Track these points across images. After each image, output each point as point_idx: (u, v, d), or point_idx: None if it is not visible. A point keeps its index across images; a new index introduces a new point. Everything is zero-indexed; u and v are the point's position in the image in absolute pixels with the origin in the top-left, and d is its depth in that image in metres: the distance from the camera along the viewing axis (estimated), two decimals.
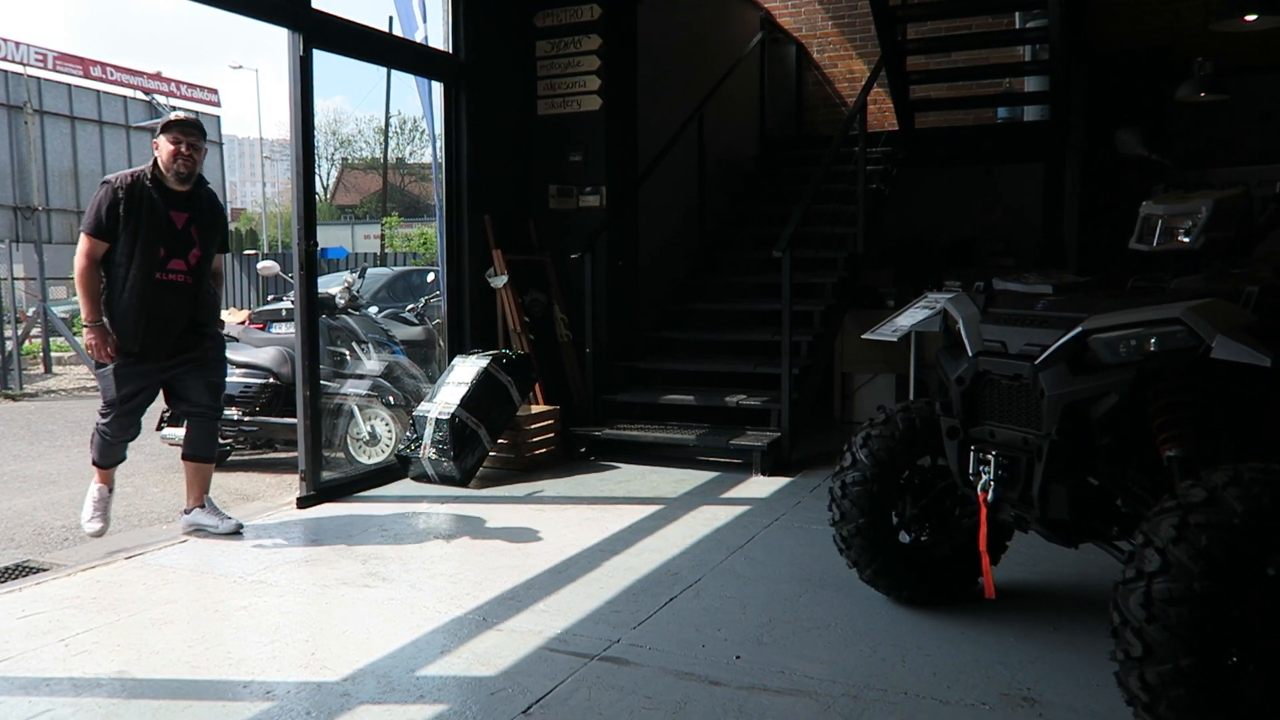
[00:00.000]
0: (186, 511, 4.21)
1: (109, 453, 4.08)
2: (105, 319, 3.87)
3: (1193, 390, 2.47)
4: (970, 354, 2.80)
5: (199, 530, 4.15)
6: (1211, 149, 9.11)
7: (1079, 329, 2.50)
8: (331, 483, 4.89)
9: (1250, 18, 5.68)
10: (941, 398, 2.94)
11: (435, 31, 5.88)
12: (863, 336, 4.86)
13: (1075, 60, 8.14)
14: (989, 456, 2.71)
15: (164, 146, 3.88)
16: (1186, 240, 2.77)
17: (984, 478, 2.72)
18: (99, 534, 4.09)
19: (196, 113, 14.85)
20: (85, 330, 3.86)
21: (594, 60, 6.08)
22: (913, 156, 8.15)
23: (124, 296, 3.83)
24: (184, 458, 4.23)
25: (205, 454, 4.23)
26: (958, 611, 3.17)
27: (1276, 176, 3.13)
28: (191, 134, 3.92)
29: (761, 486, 5.02)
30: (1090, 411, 2.49)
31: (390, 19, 6.18)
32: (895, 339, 4.36)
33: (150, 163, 3.93)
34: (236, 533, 4.13)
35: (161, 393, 4.12)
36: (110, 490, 4.12)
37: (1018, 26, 8.19)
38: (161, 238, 3.86)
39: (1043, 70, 7.67)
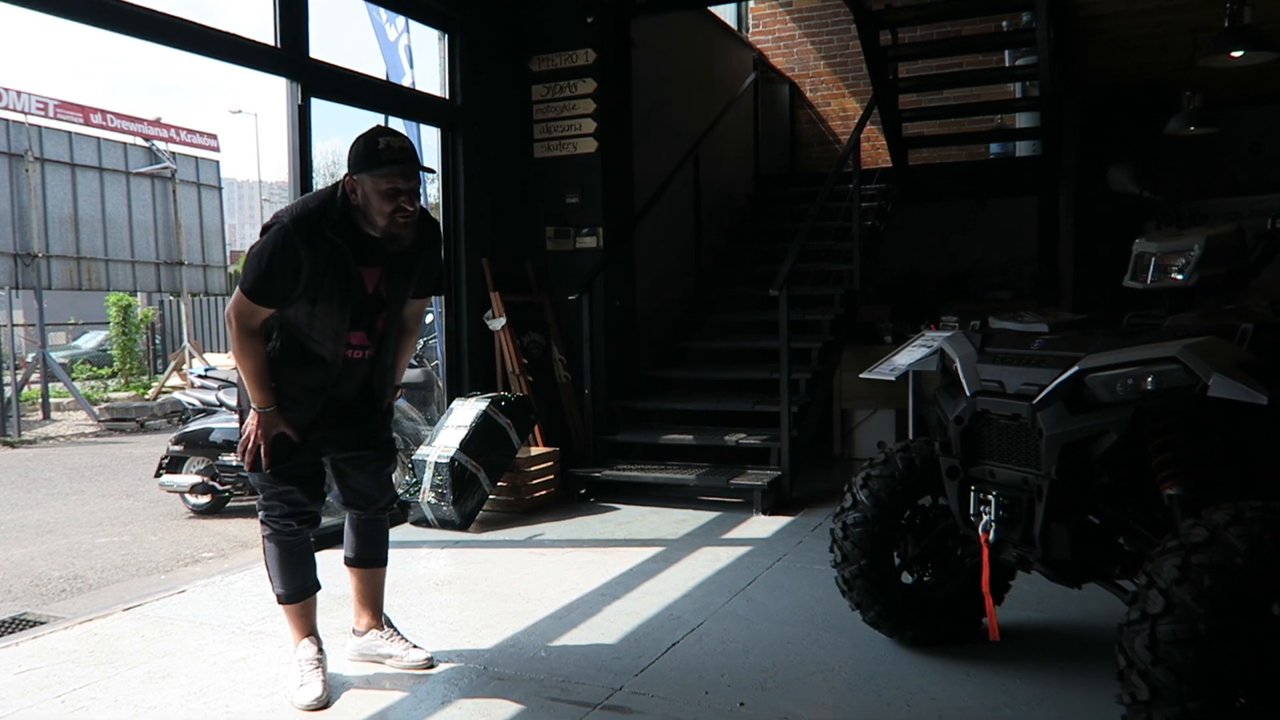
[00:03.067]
0: (358, 633, 3.23)
1: (291, 563, 2.97)
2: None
3: (1191, 428, 2.47)
4: (968, 394, 2.80)
5: (377, 659, 3.18)
6: (1204, 181, 9.20)
7: (1076, 368, 2.51)
8: (329, 529, 4.86)
9: (1236, 54, 5.74)
10: (940, 437, 2.94)
11: (425, 76, 5.95)
12: (860, 376, 4.87)
13: (1066, 95, 8.24)
14: (989, 497, 2.70)
15: (372, 192, 2.70)
16: (1180, 277, 2.78)
17: (985, 518, 2.71)
18: (321, 704, 2.85)
19: (196, 158, 15.00)
20: (253, 414, 2.82)
21: (589, 103, 6.14)
22: (907, 192, 8.22)
23: (286, 381, 2.83)
24: (349, 563, 3.22)
25: (375, 556, 3.24)
26: (962, 653, 3.14)
27: (1269, 207, 3.16)
28: (413, 176, 2.75)
29: (763, 526, 5.00)
30: (1089, 450, 2.49)
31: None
32: (893, 378, 4.36)
33: (336, 194, 2.76)
34: (428, 665, 3.13)
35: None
36: (320, 650, 3.01)
37: (1008, 64, 8.29)
38: (347, 307, 2.81)
39: (1033, 106, 7.74)
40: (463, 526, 5.00)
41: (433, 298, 3.52)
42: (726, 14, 9.33)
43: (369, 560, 3.23)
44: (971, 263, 9.30)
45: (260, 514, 2.97)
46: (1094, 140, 8.90)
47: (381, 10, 6.18)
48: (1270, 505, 2.16)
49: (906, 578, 3.25)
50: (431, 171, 3.06)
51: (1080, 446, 2.49)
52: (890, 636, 3.22)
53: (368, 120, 5.08)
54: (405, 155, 2.71)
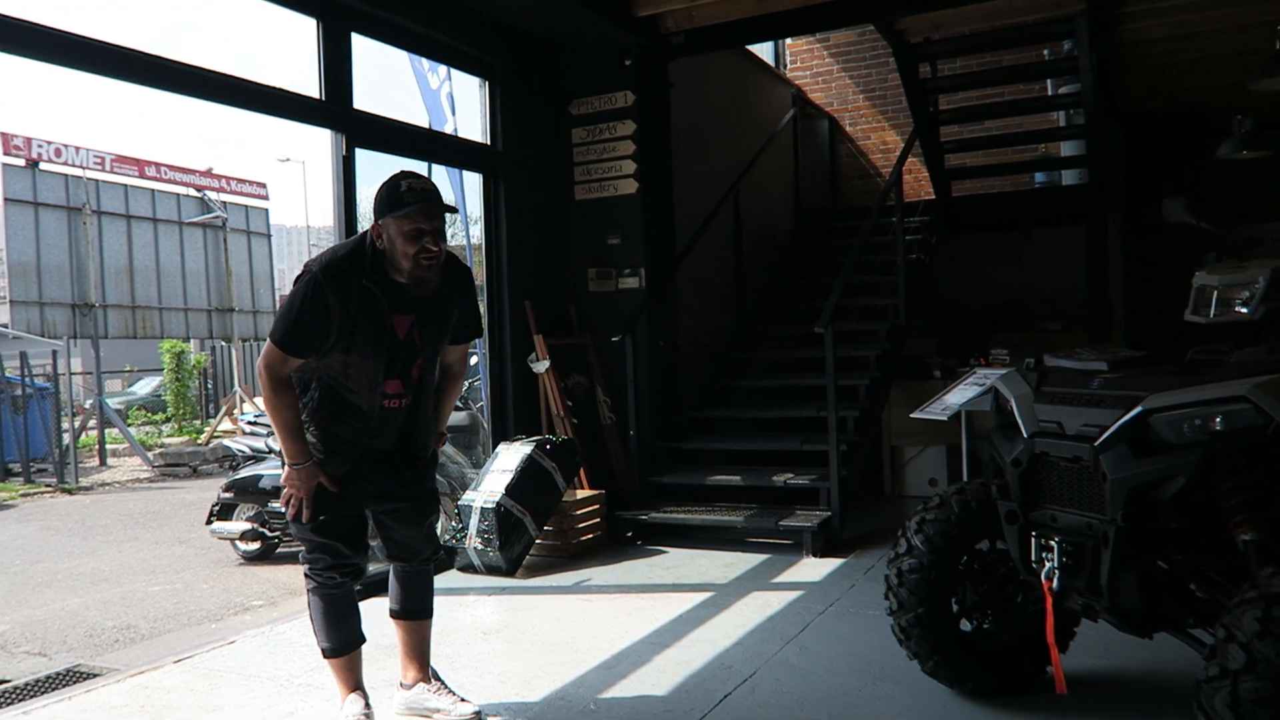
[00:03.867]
0: (405, 686, 3.15)
1: (335, 616, 2.93)
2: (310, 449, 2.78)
3: (1265, 470, 2.36)
4: (1025, 435, 2.72)
5: (425, 714, 3.10)
6: (1259, 205, 8.97)
7: (1139, 408, 2.42)
8: (377, 576, 4.84)
9: None
10: (997, 480, 2.86)
11: (467, 123, 6.02)
12: (911, 416, 4.78)
13: (1110, 122, 8.12)
14: (1052, 542, 2.60)
15: (396, 235, 2.67)
16: (1245, 311, 2.68)
17: (1048, 565, 2.61)
18: None
19: (246, 207, 15.36)
20: (288, 469, 2.77)
21: (629, 145, 6.17)
22: (951, 224, 8.13)
23: (322, 433, 2.79)
24: (395, 615, 3.13)
25: (420, 608, 3.14)
26: (1026, 704, 3.03)
27: None
28: (436, 217, 2.70)
29: (814, 569, 4.90)
30: (1157, 494, 2.39)
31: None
32: (945, 418, 4.27)
33: (365, 242, 2.74)
34: (476, 719, 3.04)
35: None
36: (367, 704, 2.97)
37: (1050, 93, 8.19)
38: (381, 355, 2.76)
39: (1078, 134, 7.65)
40: (509, 572, 4.96)
41: (476, 340, 3.49)
42: (764, 51, 9.35)
43: (414, 612, 3.15)
44: (1019, 293, 9.13)
45: (304, 567, 2.93)
46: (1141, 167, 8.75)
47: (423, 60, 6.28)
48: None
49: (965, 625, 3.15)
50: (454, 210, 2.97)
51: (1147, 490, 2.40)
52: (950, 687, 3.11)
53: (413, 166, 5.15)
54: (427, 195, 2.69)
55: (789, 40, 9.78)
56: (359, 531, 2.94)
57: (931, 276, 8.09)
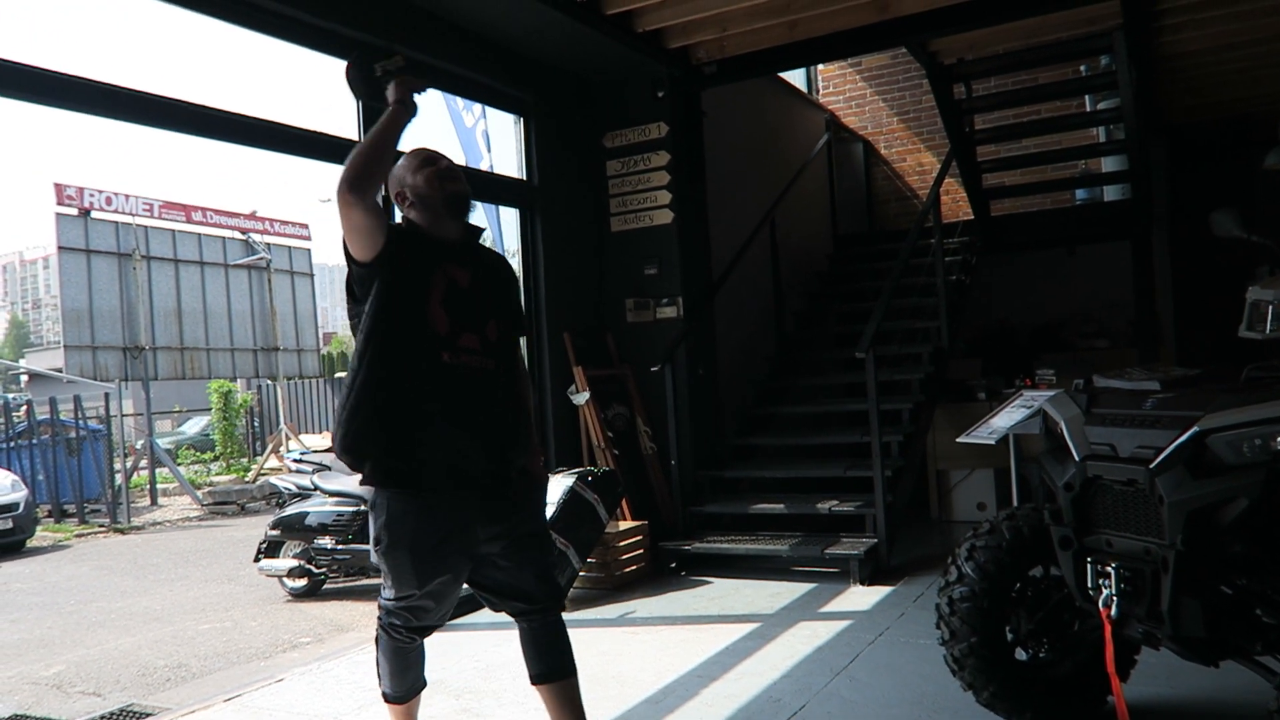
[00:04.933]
0: None
1: (403, 665, 2.70)
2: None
3: None
4: (1077, 458, 2.65)
5: None
6: None
7: (1196, 429, 2.35)
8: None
9: None
10: (1049, 504, 2.79)
11: (502, 159, 6.09)
12: (958, 440, 4.70)
13: (1152, 136, 8.00)
14: (1108, 569, 2.53)
15: (411, 178, 2.55)
16: None
17: (1105, 592, 2.53)
18: None
19: (289, 247, 15.65)
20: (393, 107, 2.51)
21: (663, 175, 6.19)
22: (991, 244, 8.04)
23: (385, 391, 2.40)
24: (535, 681, 2.67)
25: (561, 665, 2.67)
26: None
27: None
28: (439, 156, 2.63)
29: (862, 598, 4.81)
30: (1218, 517, 2.32)
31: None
32: (993, 441, 4.19)
33: (402, 221, 2.63)
34: None
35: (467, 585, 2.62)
36: None
37: (1089, 109, 8.10)
38: (440, 295, 2.47)
39: (1119, 150, 7.54)
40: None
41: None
42: (796, 78, 9.37)
43: (555, 671, 2.65)
44: (1064, 312, 9.00)
45: (380, 612, 2.64)
46: (1185, 180, 8.60)
47: (459, 99, 6.38)
48: None
49: (1021, 655, 3.06)
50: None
51: (1207, 513, 2.32)
52: (1007, 719, 3.02)
53: None
54: (433, 153, 2.63)
55: (821, 66, 9.79)
56: (452, 597, 2.62)
57: (974, 297, 8.00)
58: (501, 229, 6.05)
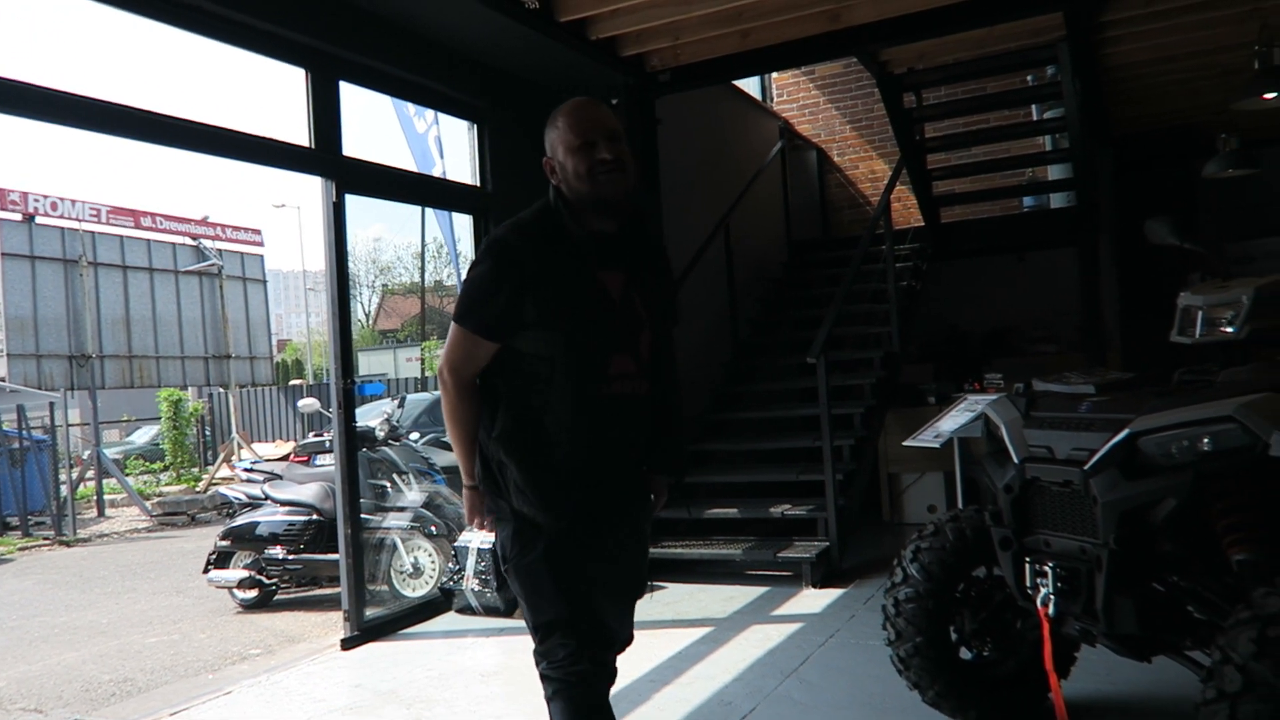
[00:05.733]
0: None
1: None
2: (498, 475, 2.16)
3: (1256, 490, 2.35)
4: (1016, 460, 2.71)
5: None
6: (1248, 222, 9.02)
7: (1127, 431, 2.41)
8: (375, 620, 4.83)
9: (1269, 95, 5.67)
10: (990, 506, 2.84)
11: (456, 165, 6.07)
12: (904, 444, 4.77)
13: (1097, 145, 8.19)
14: (1046, 568, 2.59)
15: (565, 156, 2.13)
16: (1230, 330, 2.69)
17: (1043, 591, 2.59)
18: None
19: (241, 254, 15.43)
20: (465, 492, 2.24)
21: None
22: (942, 250, 8.16)
23: (540, 432, 2.12)
24: None
25: None
26: None
27: None
28: (604, 121, 2.15)
29: (813, 600, 4.86)
30: (1149, 517, 2.38)
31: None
32: (938, 445, 4.26)
33: (550, 196, 2.18)
34: None
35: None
36: None
37: (1035, 118, 8.27)
38: (594, 321, 2.13)
39: (1065, 158, 7.71)
40: (508, 613, 4.92)
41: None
42: (750, 86, 9.46)
43: None
44: (1013, 317, 9.16)
45: (539, 664, 2.16)
46: (1130, 188, 8.81)
47: (409, 105, 6.34)
48: None
49: (966, 654, 3.12)
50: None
51: (1139, 513, 2.39)
52: (953, 717, 3.08)
53: (404, 210, 5.16)
54: (585, 103, 2.18)
55: (775, 74, 9.89)
56: (597, 611, 2.18)
57: (925, 303, 8.11)
58: (455, 235, 6.02)
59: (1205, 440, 2.30)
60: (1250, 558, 2.31)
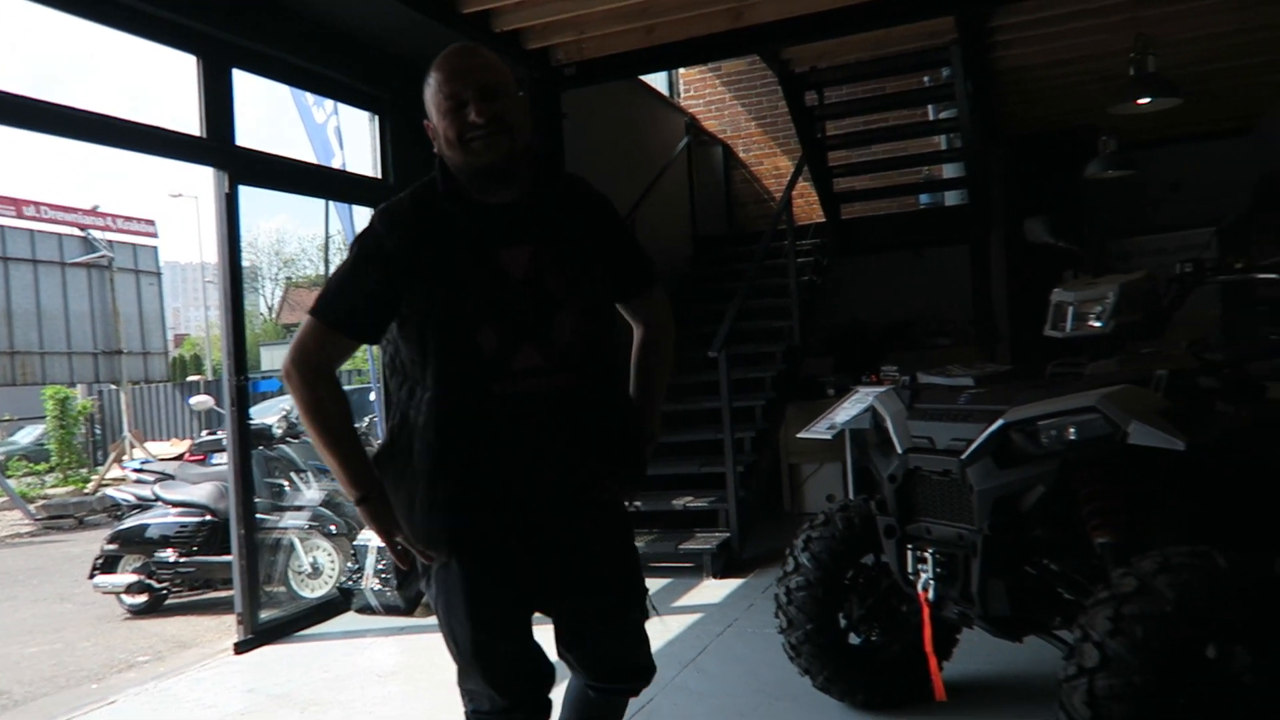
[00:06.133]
0: None
1: None
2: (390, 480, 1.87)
3: (1117, 476, 2.48)
4: (899, 451, 2.80)
5: None
6: (1128, 220, 9.49)
7: (1001, 422, 2.52)
8: (271, 623, 4.71)
9: (1143, 101, 5.97)
10: (876, 495, 2.94)
11: (357, 157, 5.95)
12: (797, 435, 4.88)
13: (989, 145, 8.49)
14: (926, 554, 2.69)
15: (437, 118, 1.85)
16: (1098, 325, 2.83)
17: (923, 576, 2.69)
18: None
19: (134, 245, 14.82)
20: (360, 511, 1.90)
21: None
22: (843, 246, 8.36)
23: (418, 440, 1.82)
24: None
25: None
26: (915, 713, 3.10)
27: (1194, 241, 3.23)
28: (475, 73, 1.82)
29: (713, 591, 4.93)
30: (1020, 504, 2.49)
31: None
32: (830, 436, 4.37)
33: (435, 163, 1.90)
34: None
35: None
36: None
37: (932, 118, 8.52)
38: (481, 308, 1.82)
39: (958, 157, 7.97)
40: (408, 611, 4.86)
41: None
42: (658, 81, 9.51)
43: None
44: (912, 311, 9.44)
45: (463, 698, 1.97)
46: (1021, 187, 9.16)
47: (307, 94, 6.19)
48: (1196, 550, 2.17)
49: (855, 639, 3.22)
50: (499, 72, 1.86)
51: (1010, 500, 2.49)
52: (841, 700, 3.17)
53: (302, 202, 5.04)
54: (455, 52, 1.85)
55: (682, 70, 9.96)
56: (524, 648, 1.94)
57: (827, 297, 8.31)
58: (354, 228, 5.90)
59: (1071, 430, 2.42)
60: (1111, 541, 2.43)
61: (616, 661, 2.06)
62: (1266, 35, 6.80)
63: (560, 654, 2.06)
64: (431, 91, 1.85)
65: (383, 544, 1.94)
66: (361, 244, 1.88)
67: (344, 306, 1.86)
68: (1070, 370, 2.88)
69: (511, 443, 1.82)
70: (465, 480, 1.81)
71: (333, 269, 2.08)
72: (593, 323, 1.92)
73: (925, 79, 8.54)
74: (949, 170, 8.64)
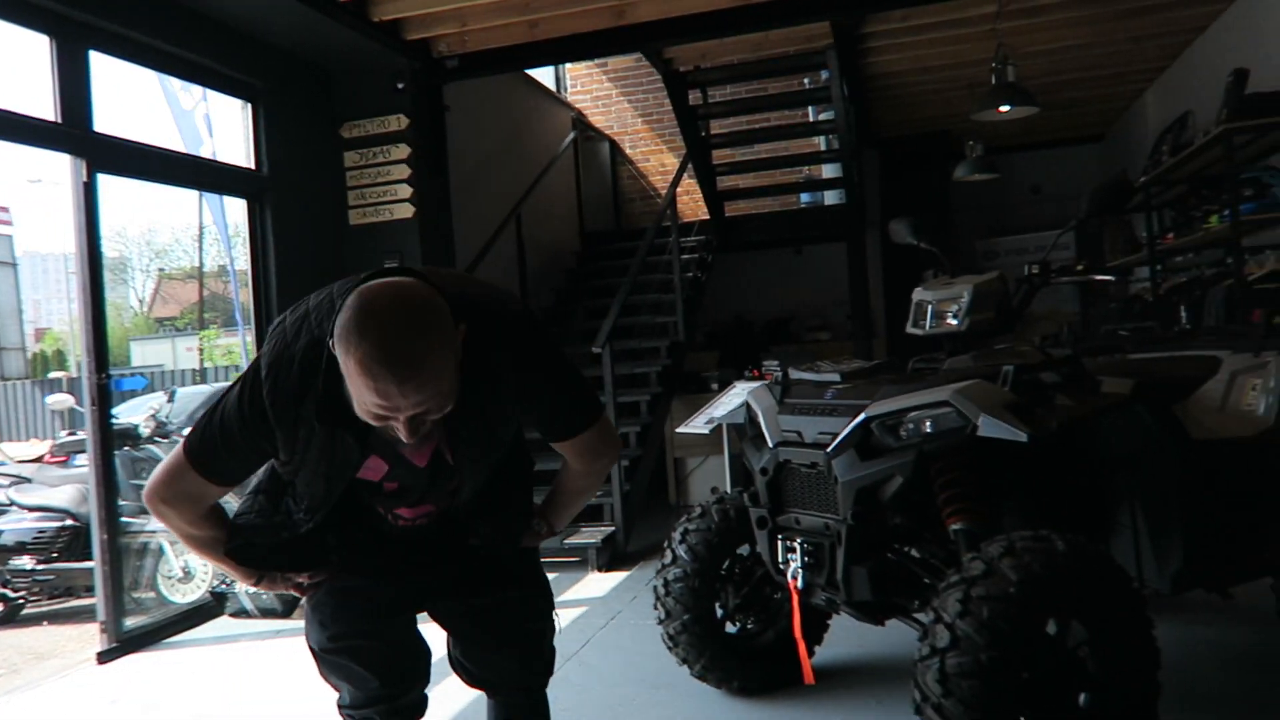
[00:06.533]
0: None
1: None
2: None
3: (969, 466, 2.63)
4: (770, 444, 2.90)
5: None
6: (994, 221, 9.99)
7: (863, 416, 2.64)
8: (138, 630, 4.53)
9: (1004, 109, 6.29)
10: (751, 488, 3.03)
11: (228, 146, 5.75)
12: (676, 430, 4.98)
13: (865, 147, 8.79)
14: (795, 544, 2.79)
15: (352, 385, 1.53)
16: (955, 323, 2.98)
17: (793, 565, 2.79)
18: None
19: None
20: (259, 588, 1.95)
21: (404, 169, 6.07)
22: (726, 243, 8.52)
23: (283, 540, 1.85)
24: None
25: None
26: (787, 696, 3.22)
27: (1046, 243, 3.42)
28: (407, 404, 1.50)
29: (598, 584, 4.99)
30: (881, 494, 2.62)
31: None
32: (707, 431, 4.48)
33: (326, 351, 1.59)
34: None
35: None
36: None
37: (811, 119, 8.77)
38: (377, 497, 1.85)
39: (836, 158, 8.22)
40: (286, 614, 4.75)
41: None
42: (545, 76, 9.49)
43: None
44: (793, 307, 9.72)
45: (339, 700, 2.02)
46: (894, 188, 9.53)
47: (174, 79, 5.94)
48: (1038, 534, 2.33)
49: (731, 628, 3.32)
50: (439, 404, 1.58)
51: (872, 490, 2.62)
52: (718, 688, 3.27)
53: (169, 191, 4.83)
54: (391, 368, 1.46)
55: (568, 65, 9.96)
56: (404, 646, 1.99)
57: (712, 293, 8.46)
58: (226, 218, 5.71)
59: (927, 423, 2.55)
60: (965, 527, 2.58)
61: (517, 673, 2.11)
62: (1115, 50, 7.28)
63: (455, 667, 2.12)
64: (351, 377, 1.51)
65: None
66: (250, 409, 1.66)
67: (219, 462, 1.71)
68: (929, 366, 3.03)
69: (396, 539, 1.91)
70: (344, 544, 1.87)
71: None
72: (486, 468, 1.86)
73: (805, 81, 8.79)
74: (828, 170, 8.91)
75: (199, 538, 1.81)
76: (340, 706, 2.01)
